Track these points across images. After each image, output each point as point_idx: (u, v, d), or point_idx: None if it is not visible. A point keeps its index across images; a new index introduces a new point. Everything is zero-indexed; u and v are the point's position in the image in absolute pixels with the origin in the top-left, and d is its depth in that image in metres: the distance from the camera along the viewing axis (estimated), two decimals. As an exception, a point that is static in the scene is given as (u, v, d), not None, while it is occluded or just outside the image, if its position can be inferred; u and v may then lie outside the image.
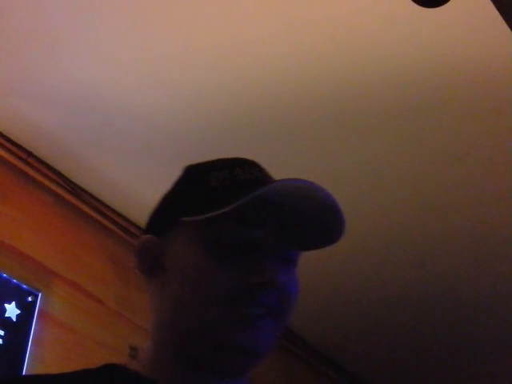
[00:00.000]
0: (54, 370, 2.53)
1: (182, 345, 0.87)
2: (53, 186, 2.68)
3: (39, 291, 2.48)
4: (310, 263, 2.15)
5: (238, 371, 0.86)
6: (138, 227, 2.97)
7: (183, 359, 0.87)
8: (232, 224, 0.85)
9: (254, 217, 0.86)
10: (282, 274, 0.86)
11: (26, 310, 2.41)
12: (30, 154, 2.59)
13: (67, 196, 2.73)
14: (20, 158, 2.58)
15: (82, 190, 2.77)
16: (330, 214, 0.87)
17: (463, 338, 3.56)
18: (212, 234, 0.86)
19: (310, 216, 0.86)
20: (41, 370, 2.41)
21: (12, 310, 2.36)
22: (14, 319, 2.36)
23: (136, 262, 0.93)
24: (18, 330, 2.36)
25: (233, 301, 0.83)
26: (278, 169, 2.69)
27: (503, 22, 1.83)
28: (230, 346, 0.84)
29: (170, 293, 0.88)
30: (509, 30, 1.84)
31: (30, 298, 2.43)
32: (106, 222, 2.85)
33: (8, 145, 2.54)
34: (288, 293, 0.87)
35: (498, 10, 1.75)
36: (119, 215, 2.89)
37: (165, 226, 0.91)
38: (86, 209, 2.79)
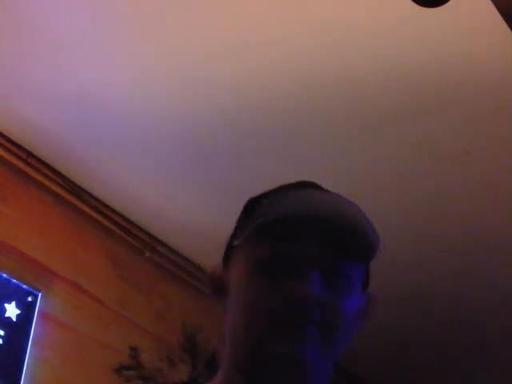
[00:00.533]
0: (54, 369, 2.55)
1: (239, 362, 0.90)
2: (53, 186, 2.68)
3: (39, 291, 2.48)
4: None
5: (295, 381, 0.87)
6: (138, 227, 2.97)
7: (244, 377, 0.89)
8: (278, 242, 0.87)
9: (301, 235, 0.87)
10: (325, 288, 0.87)
11: (26, 309, 2.41)
12: (30, 153, 2.59)
13: (67, 196, 2.73)
14: (20, 158, 2.58)
15: (82, 190, 2.77)
16: (363, 233, 0.89)
17: (463, 337, 3.56)
18: (251, 253, 0.89)
19: (349, 234, 0.88)
20: (41, 369, 2.41)
21: (12, 310, 2.37)
22: (14, 319, 2.36)
23: (208, 287, 0.98)
24: (18, 330, 2.36)
25: (276, 317, 0.85)
26: (280, 169, 2.70)
27: (503, 22, 1.84)
28: (278, 361, 0.85)
29: (229, 316, 0.92)
30: (509, 29, 1.84)
31: (29, 298, 2.43)
32: (106, 222, 2.85)
33: (8, 145, 2.54)
34: (334, 307, 0.87)
35: (498, 10, 1.75)
36: (119, 215, 2.89)
37: (228, 254, 0.96)
38: (86, 209, 2.79)
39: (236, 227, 0.95)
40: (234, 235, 0.94)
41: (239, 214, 0.97)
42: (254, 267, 0.88)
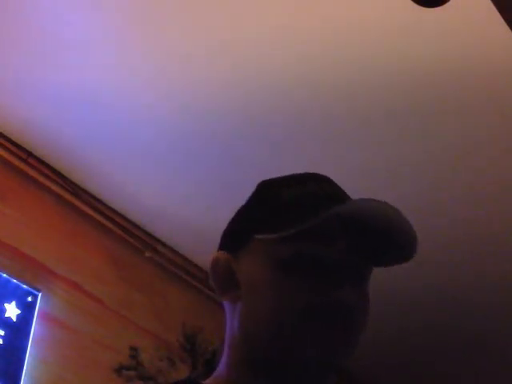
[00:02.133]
0: (54, 369, 2.55)
1: (257, 361, 0.87)
2: (53, 186, 2.68)
3: (39, 291, 2.48)
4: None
5: (314, 382, 0.87)
6: (138, 227, 2.97)
7: (259, 375, 0.87)
8: (307, 241, 0.85)
9: (329, 235, 0.85)
10: (355, 291, 0.87)
11: (26, 310, 2.41)
12: (30, 153, 2.59)
13: (67, 196, 2.73)
14: (20, 158, 2.58)
15: (82, 190, 2.77)
16: (402, 232, 0.88)
17: (463, 338, 3.56)
18: (287, 251, 0.85)
19: (385, 234, 0.87)
20: (41, 370, 2.41)
21: (12, 310, 2.36)
22: (14, 319, 2.36)
23: (210, 277, 0.93)
24: (18, 330, 2.36)
25: (307, 317, 0.84)
26: (283, 169, 2.70)
27: (503, 21, 1.84)
28: (304, 359, 0.84)
29: (243, 310, 0.88)
30: (509, 29, 1.84)
31: (29, 298, 2.43)
32: (106, 222, 2.85)
33: (8, 145, 2.54)
34: (360, 309, 0.87)
35: (498, 10, 1.75)
36: (119, 215, 2.89)
37: (238, 243, 0.91)
38: (86, 209, 2.79)
39: (258, 217, 0.90)
40: (254, 226, 0.90)
41: (252, 199, 0.94)
42: (289, 265, 0.85)
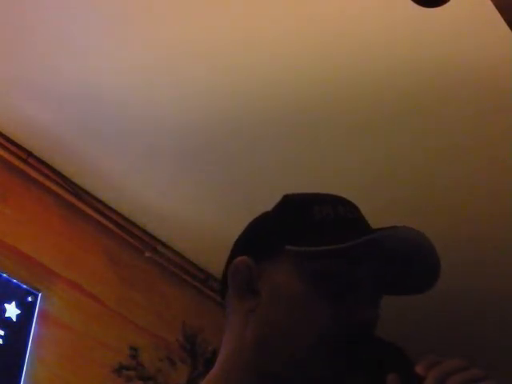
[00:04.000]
0: (54, 369, 2.55)
1: (264, 373, 0.85)
2: (53, 186, 2.68)
3: (39, 291, 2.48)
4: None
5: None
6: (138, 227, 2.97)
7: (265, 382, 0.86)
8: (341, 261, 0.85)
9: (364, 258, 0.85)
10: (377, 312, 0.87)
11: (26, 309, 2.41)
12: (30, 153, 2.59)
13: (67, 196, 2.73)
14: (20, 158, 2.58)
15: (82, 190, 2.77)
16: (430, 265, 0.91)
17: (463, 337, 3.56)
18: (320, 267, 0.85)
19: (413, 264, 0.88)
20: (41, 369, 2.42)
21: (12, 310, 2.37)
22: (14, 319, 2.36)
23: (229, 280, 0.90)
24: (18, 330, 2.36)
25: (330, 338, 0.83)
26: (280, 169, 2.70)
27: (503, 22, 1.84)
28: (315, 379, 0.83)
29: (261, 318, 0.86)
30: (509, 29, 1.84)
31: (29, 298, 2.44)
32: (106, 222, 2.85)
33: (8, 145, 2.54)
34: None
35: (498, 10, 1.75)
36: (119, 215, 2.89)
37: (265, 251, 0.89)
38: (86, 209, 2.79)
39: (288, 228, 0.89)
40: (283, 236, 0.88)
41: (280, 210, 0.93)
42: (319, 281, 0.84)
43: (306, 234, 0.86)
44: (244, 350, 0.87)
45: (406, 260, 0.87)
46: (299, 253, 0.85)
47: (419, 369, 0.75)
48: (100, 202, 2.82)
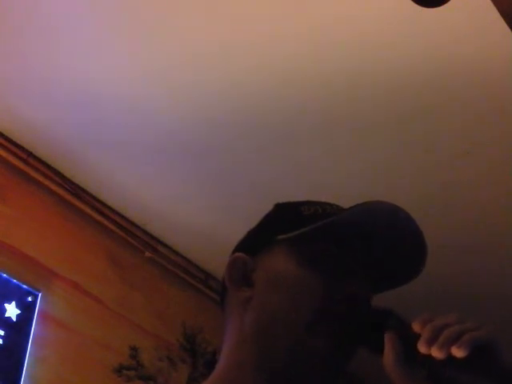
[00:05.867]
0: (54, 369, 2.55)
1: (270, 355, 0.88)
2: (53, 186, 2.68)
3: (39, 291, 2.48)
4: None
5: (319, 381, 0.87)
6: (138, 227, 2.97)
7: (264, 376, 0.88)
8: (326, 240, 0.89)
9: (347, 235, 0.89)
10: (368, 288, 0.90)
11: (26, 309, 2.41)
12: (30, 153, 2.59)
13: (67, 196, 2.73)
14: (20, 158, 2.58)
15: (82, 190, 2.77)
16: (414, 246, 0.92)
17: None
18: (307, 247, 0.90)
19: (394, 245, 0.91)
20: (41, 369, 2.41)
21: (12, 310, 2.36)
22: (14, 319, 2.36)
23: (225, 275, 0.95)
24: (18, 330, 2.36)
25: (327, 311, 0.86)
26: (279, 169, 2.69)
27: (503, 22, 1.83)
28: (315, 354, 0.85)
29: (258, 306, 0.90)
30: (509, 29, 1.84)
31: (29, 298, 2.43)
32: (106, 222, 2.85)
33: (8, 145, 2.54)
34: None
35: (498, 10, 1.75)
36: (119, 215, 2.89)
37: (258, 245, 0.95)
38: (86, 209, 2.79)
39: (278, 223, 0.95)
40: (273, 229, 0.94)
41: (271, 213, 0.98)
42: (305, 261, 0.89)
43: (295, 225, 0.91)
44: (245, 341, 0.90)
45: (388, 233, 0.90)
46: (290, 239, 0.90)
47: (415, 326, 0.79)
48: (100, 202, 2.82)
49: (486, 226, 2.87)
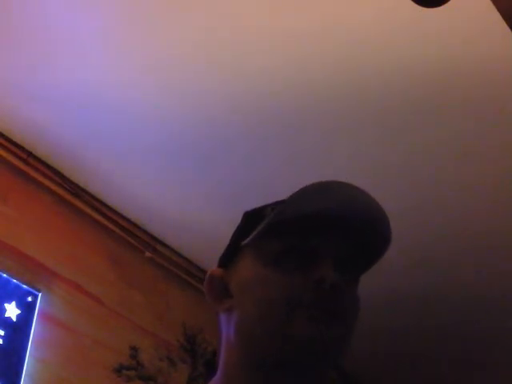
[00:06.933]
0: (54, 369, 2.55)
1: (253, 362, 0.89)
2: (53, 186, 2.68)
3: (39, 291, 2.48)
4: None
5: (310, 371, 0.88)
6: (138, 227, 2.97)
7: (255, 377, 0.89)
8: (288, 235, 0.90)
9: (308, 226, 0.90)
10: (341, 281, 0.89)
11: (26, 310, 2.41)
12: (29, 153, 2.59)
13: (67, 196, 2.73)
14: (20, 158, 2.58)
15: (82, 190, 2.77)
16: (378, 224, 0.93)
17: (463, 338, 3.56)
18: (268, 246, 0.91)
19: (360, 226, 0.91)
20: (41, 370, 2.41)
21: (12, 310, 2.36)
22: (14, 319, 2.36)
23: (206, 292, 0.99)
24: (18, 330, 2.36)
25: (297, 301, 0.87)
26: (280, 169, 2.69)
27: (503, 22, 1.84)
28: (296, 345, 0.86)
29: (236, 315, 0.92)
30: (509, 29, 1.84)
31: (29, 298, 2.43)
32: (106, 222, 2.85)
33: (8, 145, 2.54)
34: (348, 301, 0.90)
35: (498, 10, 1.75)
36: (119, 215, 2.89)
37: (228, 256, 0.98)
38: (86, 209, 2.79)
39: (241, 231, 0.97)
40: (239, 238, 0.96)
41: (241, 222, 1.00)
42: (270, 260, 0.90)
43: (254, 226, 0.93)
44: (232, 349, 0.92)
45: (351, 225, 0.90)
46: (251, 243, 0.92)
47: None
48: (100, 201, 2.82)
49: (486, 226, 2.87)
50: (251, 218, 0.97)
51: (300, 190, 0.92)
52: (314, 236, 0.90)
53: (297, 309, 0.87)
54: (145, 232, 2.99)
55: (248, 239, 0.93)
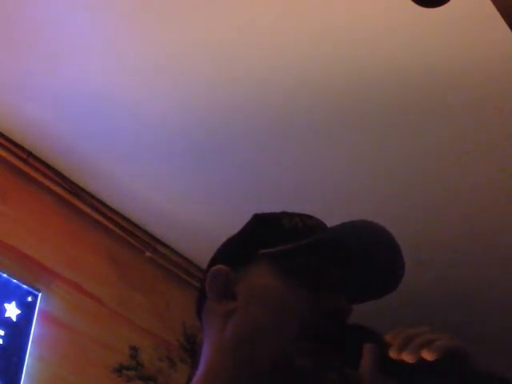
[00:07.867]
0: (54, 369, 2.55)
1: (250, 368, 0.88)
2: (53, 186, 2.68)
3: (39, 291, 2.48)
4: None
5: None
6: (138, 227, 2.97)
7: (246, 379, 0.89)
8: (311, 257, 0.91)
9: (330, 254, 0.91)
10: (349, 303, 0.92)
11: (26, 310, 2.41)
12: (30, 153, 2.59)
13: (67, 196, 2.73)
14: (20, 158, 2.58)
15: (82, 190, 2.77)
16: (394, 264, 0.96)
17: (463, 338, 3.55)
18: (292, 264, 0.91)
19: (374, 261, 0.93)
20: (41, 369, 2.41)
21: (12, 310, 2.37)
22: (14, 319, 2.36)
23: (207, 287, 0.95)
24: (18, 330, 2.36)
25: (310, 327, 0.87)
26: (280, 169, 2.69)
27: (503, 21, 1.84)
28: (298, 365, 0.86)
29: (240, 319, 0.91)
30: (509, 29, 1.84)
31: (29, 298, 2.43)
32: (106, 222, 2.85)
33: (8, 145, 2.54)
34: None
35: (498, 10, 1.75)
36: (119, 215, 2.89)
37: (241, 258, 0.95)
38: (86, 209, 2.79)
39: (260, 236, 0.95)
40: (253, 242, 0.95)
41: (251, 224, 0.99)
42: (293, 277, 0.90)
43: (277, 239, 0.93)
44: (224, 352, 0.91)
45: (368, 255, 0.92)
46: (272, 254, 0.91)
47: (388, 337, 0.82)
48: (100, 201, 2.82)
49: (485, 226, 2.87)
50: (266, 224, 0.97)
51: (348, 223, 0.92)
52: (343, 267, 0.92)
53: (312, 334, 0.87)
54: (145, 232, 2.99)
55: (272, 250, 0.91)
